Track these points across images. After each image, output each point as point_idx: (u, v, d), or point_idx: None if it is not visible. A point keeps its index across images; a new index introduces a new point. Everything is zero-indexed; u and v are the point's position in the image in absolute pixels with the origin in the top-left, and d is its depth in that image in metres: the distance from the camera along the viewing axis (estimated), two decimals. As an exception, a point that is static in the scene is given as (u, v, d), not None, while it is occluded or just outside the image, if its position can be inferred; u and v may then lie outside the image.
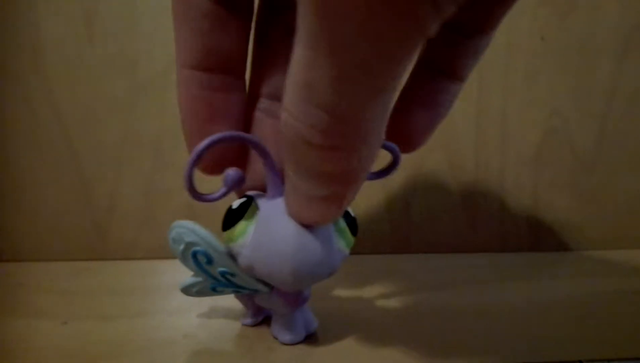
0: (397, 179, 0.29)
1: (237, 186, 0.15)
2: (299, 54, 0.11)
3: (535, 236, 0.31)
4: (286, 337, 0.18)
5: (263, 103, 0.17)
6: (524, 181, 0.30)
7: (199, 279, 0.17)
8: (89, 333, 0.18)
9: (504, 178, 0.30)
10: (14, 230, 0.27)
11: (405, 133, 0.17)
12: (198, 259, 0.16)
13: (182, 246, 0.16)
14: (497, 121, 0.30)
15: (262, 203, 0.16)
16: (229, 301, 0.21)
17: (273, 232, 0.15)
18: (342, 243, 0.16)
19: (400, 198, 0.29)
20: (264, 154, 0.15)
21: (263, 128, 0.16)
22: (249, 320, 0.20)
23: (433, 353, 0.17)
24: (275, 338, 0.18)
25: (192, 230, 0.16)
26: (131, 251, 0.28)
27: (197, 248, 0.16)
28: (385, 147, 0.16)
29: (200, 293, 0.18)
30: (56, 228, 0.27)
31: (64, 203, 0.27)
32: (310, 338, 0.18)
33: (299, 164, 0.13)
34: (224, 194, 0.15)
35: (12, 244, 0.27)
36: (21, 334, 0.18)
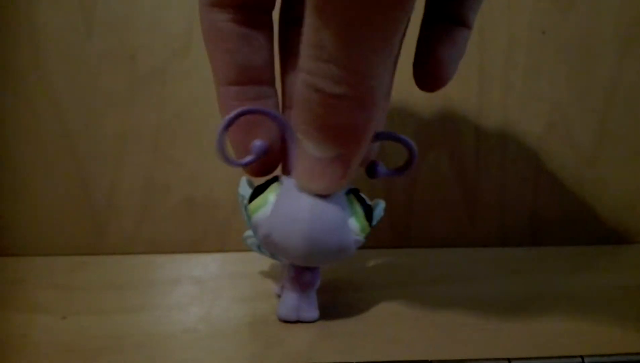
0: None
1: (263, 154, 0.17)
2: (308, 21, 0.13)
3: (536, 230, 0.31)
4: (278, 310, 0.19)
5: None
6: (524, 175, 0.30)
7: (252, 233, 0.18)
8: (88, 328, 0.18)
9: (504, 171, 0.30)
10: (13, 224, 0.27)
11: (432, 67, 0.18)
12: (247, 212, 0.18)
13: (239, 198, 0.18)
14: (497, 115, 0.30)
15: (285, 179, 0.17)
16: (228, 295, 0.22)
17: (291, 202, 0.16)
18: (357, 226, 0.17)
19: (400, 192, 0.29)
20: (283, 126, 0.17)
21: None
22: (277, 289, 0.21)
23: (432, 347, 0.17)
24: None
25: (243, 184, 0.18)
26: (130, 246, 0.28)
27: (245, 202, 0.18)
28: (402, 141, 0.17)
29: (251, 246, 0.19)
30: (55, 223, 0.27)
31: (63, 198, 0.27)
32: (310, 332, 0.18)
33: (309, 118, 0.14)
34: (252, 161, 0.17)
35: (10, 239, 0.27)
36: (20, 329, 0.18)
